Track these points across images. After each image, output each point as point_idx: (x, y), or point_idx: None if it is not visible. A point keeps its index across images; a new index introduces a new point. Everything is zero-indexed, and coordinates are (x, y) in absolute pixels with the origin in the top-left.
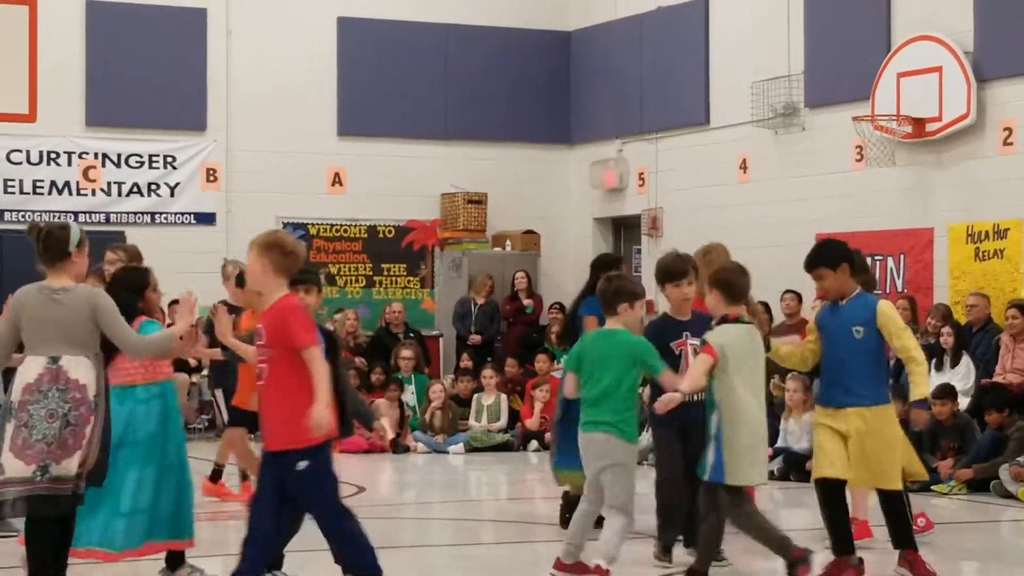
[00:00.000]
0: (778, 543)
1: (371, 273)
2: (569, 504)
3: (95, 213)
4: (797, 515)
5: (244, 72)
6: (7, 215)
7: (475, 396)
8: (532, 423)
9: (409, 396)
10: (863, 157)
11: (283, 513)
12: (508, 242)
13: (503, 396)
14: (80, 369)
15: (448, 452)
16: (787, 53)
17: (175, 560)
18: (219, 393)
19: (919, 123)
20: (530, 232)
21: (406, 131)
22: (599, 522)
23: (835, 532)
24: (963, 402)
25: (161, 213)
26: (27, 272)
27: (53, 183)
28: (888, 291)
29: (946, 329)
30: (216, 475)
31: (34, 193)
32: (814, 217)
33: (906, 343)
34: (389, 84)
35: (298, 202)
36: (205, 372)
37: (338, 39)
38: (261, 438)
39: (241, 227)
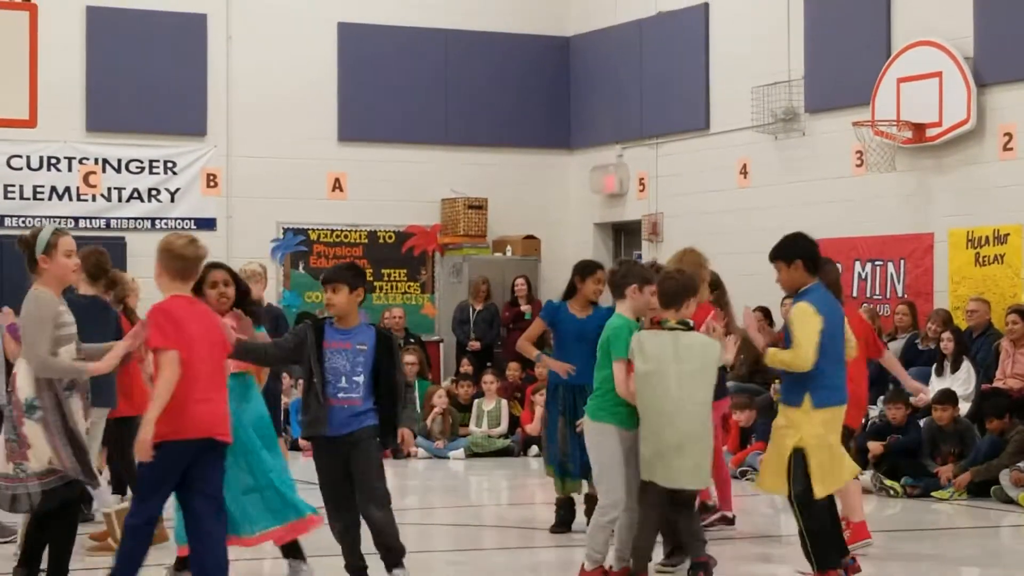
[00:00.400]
0: (640, 552)
1: (371, 278)
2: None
3: (95, 219)
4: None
5: (244, 77)
6: (7, 221)
7: (475, 401)
8: (532, 428)
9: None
10: (863, 162)
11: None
12: (508, 247)
13: (503, 401)
14: (21, 372)
15: (448, 457)
16: (787, 58)
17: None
18: None
19: (919, 128)
20: (531, 237)
21: (406, 136)
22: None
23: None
24: (963, 407)
25: (161, 218)
26: (27, 278)
27: (53, 188)
28: (888, 296)
29: (946, 334)
30: None
31: (34, 199)
32: (814, 222)
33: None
34: (389, 89)
35: (298, 207)
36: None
37: (338, 45)
38: None
39: (242, 233)
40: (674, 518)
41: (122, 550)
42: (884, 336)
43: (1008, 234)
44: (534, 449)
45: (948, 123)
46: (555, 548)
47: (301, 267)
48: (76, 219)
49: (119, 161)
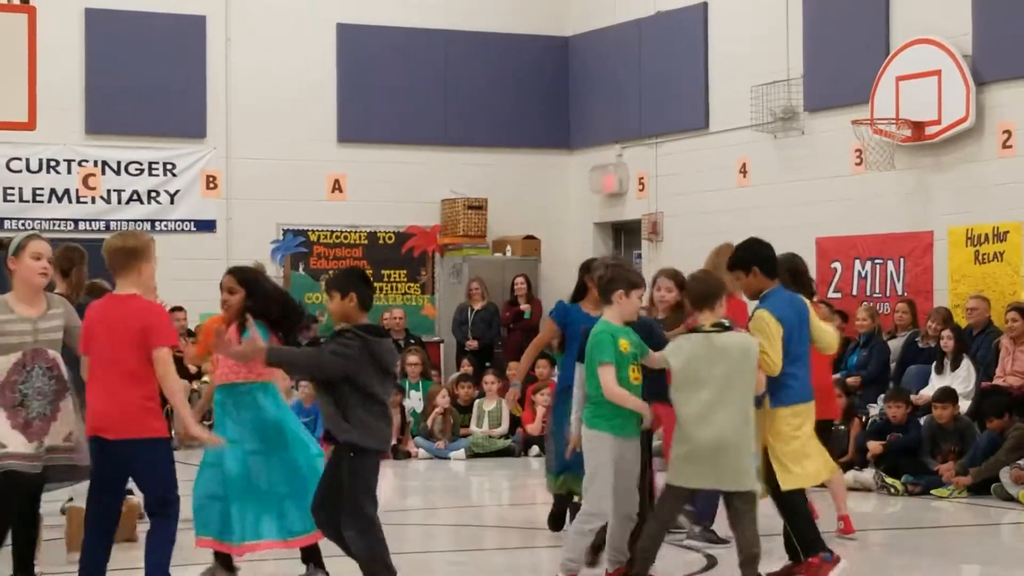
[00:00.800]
0: (645, 554)
1: (371, 279)
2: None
3: (95, 221)
4: None
5: (244, 79)
6: (7, 223)
7: (476, 402)
8: (533, 428)
9: (416, 402)
10: (862, 161)
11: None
12: (508, 247)
13: (504, 402)
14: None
15: (449, 458)
16: (786, 57)
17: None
18: None
19: (918, 126)
20: (530, 237)
21: (406, 137)
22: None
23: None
24: (963, 405)
25: (161, 221)
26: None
27: (53, 191)
28: (888, 294)
29: (946, 332)
30: None
31: (34, 201)
32: (814, 221)
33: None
34: (388, 90)
35: (298, 209)
36: (206, 378)
37: (337, 46)
38: None
39: (241, 234)
40: (733, 522)
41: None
42: (884, 334)
43: (1007, 232)
44: (535, 449)
45: (947, 121)
46: (556, 548)
47: (301, 268)
48: (76, 221)
49: (118, 163)
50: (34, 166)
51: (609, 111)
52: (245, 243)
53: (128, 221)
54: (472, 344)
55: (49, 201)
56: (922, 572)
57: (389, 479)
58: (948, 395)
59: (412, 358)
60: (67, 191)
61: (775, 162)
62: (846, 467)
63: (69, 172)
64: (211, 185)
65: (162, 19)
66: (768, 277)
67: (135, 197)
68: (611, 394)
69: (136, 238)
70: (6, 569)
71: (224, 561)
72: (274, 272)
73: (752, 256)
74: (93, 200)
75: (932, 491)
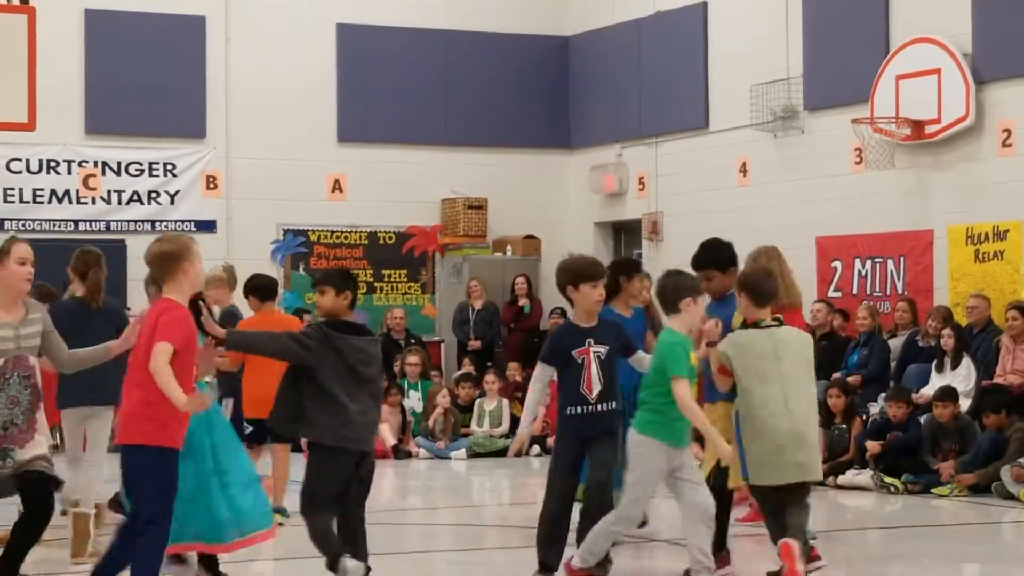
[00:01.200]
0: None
1: (372, 279)
2: None
3: (95, 221)
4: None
5: (243, 79)
6: (7, 224)
7: (477, 401)
8: (534, 428)
9: (416, 402)
10: (862, 160)
11: None
12: (509, 247)
13: (505, 401)
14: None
15: (450, 457)
16: (786, 56)
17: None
18: (229, 403)
19: (918, 125)
20: (531, 237)
21: (406, 137)
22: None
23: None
24: (964, 404)
25: (161, 221)
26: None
27: (53, 192)
28: (888, 293)
29: (946, 331)
30: None
31: (34, 202)
32: (814, 220)
33: None
34: (388, 90)
35: (298, 209)
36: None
37: (337, 46)
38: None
39: (241, 234)
40: (783, 513)
41: None
42: (885, 333)
43: (1007, 230)
44: (536, 449)
45: (947, 120)
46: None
47: (301, 268)
48: (76, 222)
49: (118, 164)
50: (34, 167)
51: (609, 111)
52: (245, 243)
53: (128, 222)
54: (475, 344)
55: (49, 202)
56: (922, 571)
57: (390, 479)
58: (948, 394)
59: (411, 358)
60: (67, 192)
61: (775, 161)
62: (846, 466)
63: (69, 173)
64: (211, 185)
65: (162, 19)
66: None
67: (135, 198)
68: (688, 410)
69: (172, 242)
70: None
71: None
72: (275, 272)
73: (730, 255)
74: (93, 201)
75: (932, 490)
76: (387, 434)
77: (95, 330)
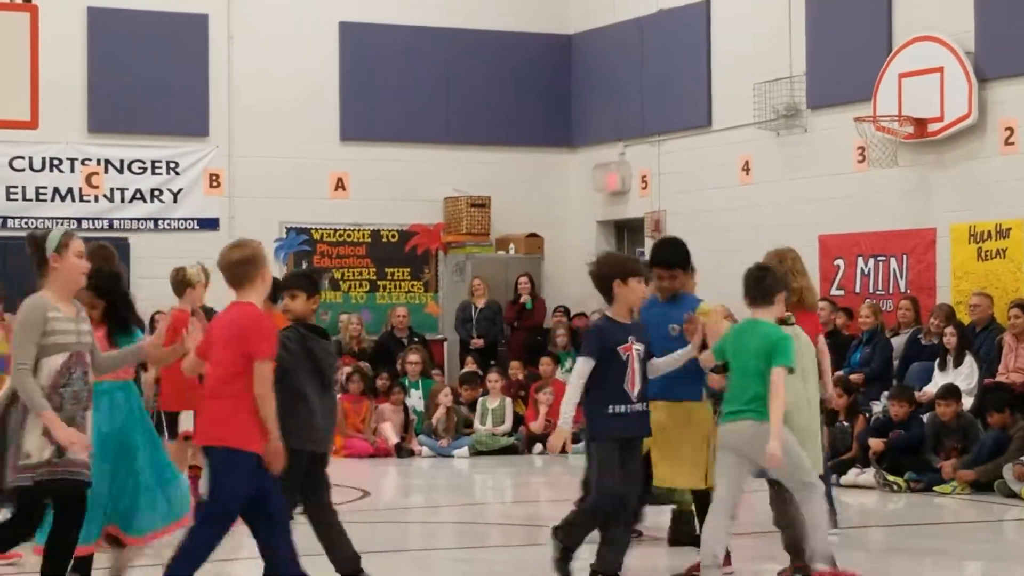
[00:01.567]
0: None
1: (375, 278)
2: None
3: (98, 220)
4: None
5: (246, 77)
6: (10, 222)
7: (480, 400)
8: (536, 426)
9: (417, 401)
10: (865, 158)
11: None
12: (512, 246)
13: (508, 400)
14: (11, 380)
15: (453, 456)
16: (788, 55)
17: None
18: None
19: (921, 124)
20: (533, 235)
21: (409, 135)
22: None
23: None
24: (967, 402)
25: (164, 219)
26: (31, 279)
27: (56, 190)
28: (891, 292)
29: (949, 329)
30: None
31: (37, 200)
32: (816, 219)
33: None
34: (391, 89)
35: (301, 207)
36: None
37: (340, 44)
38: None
39: (244, 233)
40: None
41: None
42: (887, 331)
43: (1010, 229)
44: (538, 447)
45: (949, 118)
46: None
47: (304, 267)
48: (79, 220)
49: (121, 162)
50: (37, 165)
51: (611, 109)
52: None
53: (131, 220)
54: (477, 343)
55: (52, 200)
56: (925, 569)
57: (393, 477)
58: (951, 392)
59: (412, 356)
60: (70, 190)
61: (778, 160)
62: (849, 464)
63: (72, 171)
64: (214, 184)
65: (164, 18)
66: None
67: (138, 196)
68: (780, 400)
69: (248, 247)
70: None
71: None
72: (277, 271)
73: (688, 254)
74: (96, 199)
75: (934, 488)
76: (390, 432)
77: None
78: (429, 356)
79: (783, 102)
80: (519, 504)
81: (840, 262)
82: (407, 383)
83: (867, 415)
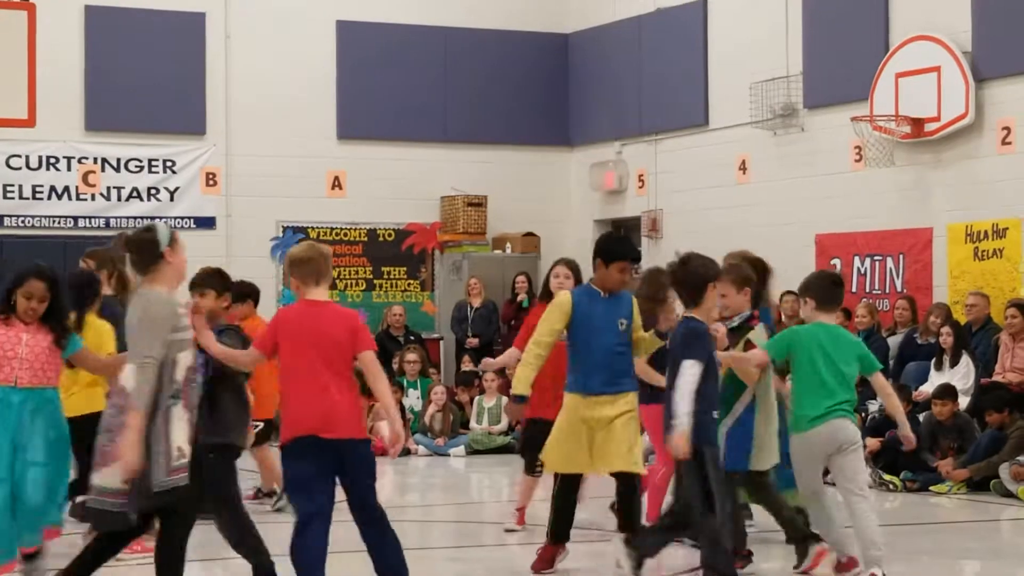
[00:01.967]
0: (793, 525)
1: (371, 276)
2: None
3: (95, 218)
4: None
5: (243, 76)
6: (7, 220)
7: (476, 399)
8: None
9: (416, 401)
10: (862, 157)
11: None
12: (508, 245)
13: (504, 399)
14: (127, 376)
15: (449, 455)
16: (786, 54)
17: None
18: None
19: (918, 123)
20: (530, 234)
21: (405, 134)
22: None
23: (560, 520)
24: (963, 401)
25: (161, 217)
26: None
27: (52, 188)
28: (888, 291)
29: (945, 329)
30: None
31: (33, 198)
32: (813, 218)
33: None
34: (388, 87)
35: (298, 206)
36: None
37: (337, 43)
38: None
39: (241, 231)
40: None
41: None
42: (884, 331)
43: (1007, 228)
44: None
45: (947, 118)
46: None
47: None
48: (75, 218)
49: (118, 160)
50: (34, 163)
51: (609, 108)
52: (245, 240)
53: (127, 218)
54: (473, 342)
55: (49, 198)
56: (921, 568)
57: (389, 476)
58: (947, 392)
59: (411, 356)
60: (67, 188)
61: (775, 159)
62: None
63: (69, 169)
64: (211, 182)
65: (162, 16)
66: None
67: (135, 194)
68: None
69: (318, 247)
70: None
71: None
72: (274, 269)
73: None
74: (93, 197)
75: (931, 488)
76: (385, 431)
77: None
78: (426, 355)
79: (780, 101)
80: (515, 503)
81: (837, 261)
82: (406, 383)
83: (863, 414)
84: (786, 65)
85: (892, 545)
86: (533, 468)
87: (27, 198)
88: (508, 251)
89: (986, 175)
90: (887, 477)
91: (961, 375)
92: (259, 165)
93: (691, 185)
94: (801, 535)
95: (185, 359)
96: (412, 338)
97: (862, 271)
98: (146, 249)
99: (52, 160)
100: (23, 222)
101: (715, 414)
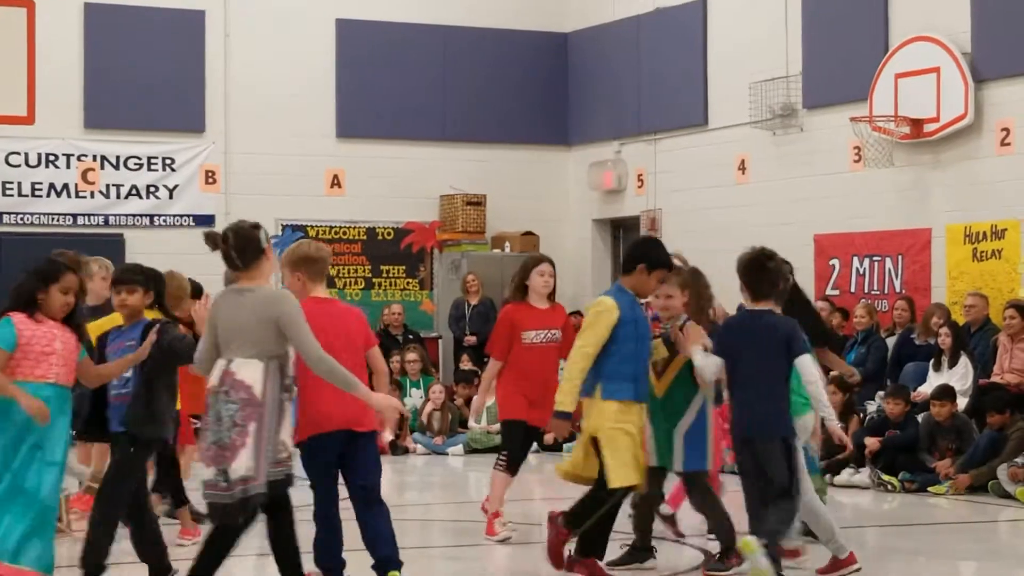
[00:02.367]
0: (727, 528)
1: (370, 275)
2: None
3: (94, 216)
4: None
5: (242, 74)
6: (5, 218)
7: (474, 397)
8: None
9: (419, 400)
10: (861, 158)
11: None
12: (507, 244)
13: None
14: (248, 371)
15: (447, 453)
16: (785, 54)
17: None
18: None
19: (917, 124)
20: (529, 234)
21: (405, 133)
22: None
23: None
24: (961, 402)
25: (160, 215)
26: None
27: (52, 186)
28: (886, 292)
29: (944, 329)
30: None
31: (33, 195)
32: (812, 218)
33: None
34: (387, 86)
35: (297, 204)
36: None
37: (336, 41)
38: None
39: None
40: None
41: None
42: (883, 331)
43: (1006, 229)
44: (533, 445)
45: (946, 118)
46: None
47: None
48: (74, 216)
49: (117, 158)
50: (33, 161)
51: (608, 107)
52: None
53: (127, 216)
54: (470, 340)
55: (48, 196)
56: (919, 569)
57: (387, 474)
58: (946, 392)
59: (411, 356)
60: (66, 186)
61: (773, 159)
62: (843, 464)
63: (68, 167)
64: (210, 180)
65: (161, 14)
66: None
67: (134, 192)
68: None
69: (321, 247)
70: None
71: None
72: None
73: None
74: (92, 195)
75: (929, 488)
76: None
77: None
78: (426, 354)
79: (779, 101)
80: (513, 502)
81: (835, 262)
82: (408, 383)
83: (862, 415)
84: (785, 65)
85: (890, 546)
86: (515, 469)
87: (26, 195)
88: (507, 250)
89: (985, 176)
90: (886, 478)
91: (960, 376)
92: (258, 163)
93: (690, 185)
94: (732, 541)
95: (293, 354)
96: (411, 337)
97: (861, 271)
98: (251, 244)
99: (51, 157)
100: (22, 219)
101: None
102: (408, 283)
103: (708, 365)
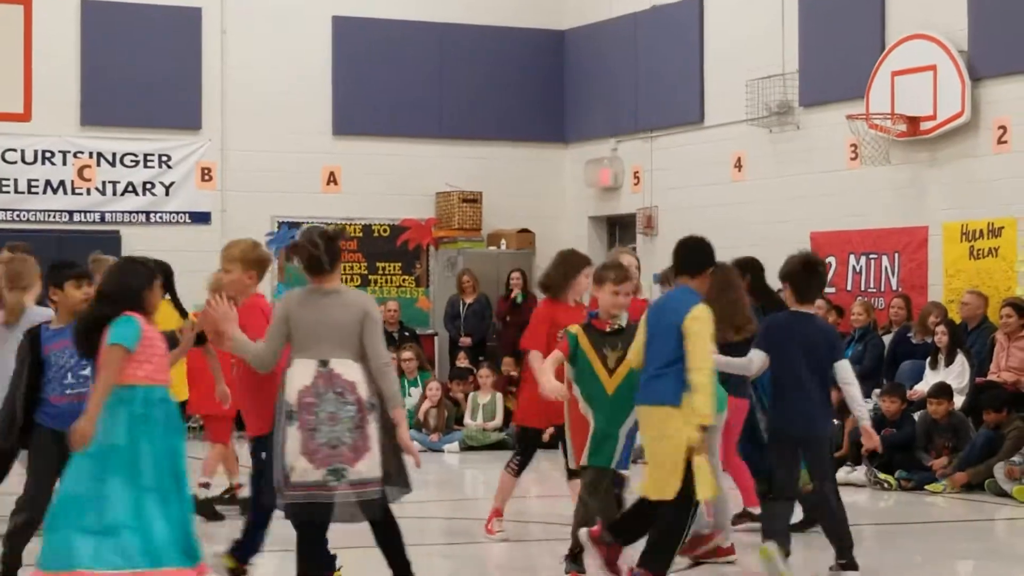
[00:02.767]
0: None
1: (366, 272)
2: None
3: (90, 212)
4: None
5: (239, 71)
6: (1, 214)
7: (471, 395)
8: None
9: (417, 398)
10: (857, 156)
11: None
12: (503, 241)
13: (499, 395)
14: (351, 371)
15: (443, 451)
16: (781, 52)
17: None
18: None
19: (913, 122)
20: (525, 231)
21: (401, 130)
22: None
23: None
24: (958, 401)
25: (156, 212)
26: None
27: (48, 182)
28: (883, 290)
29: (940, 328)
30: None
31: (29, 192)
32: (808, 216)
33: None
34: (384, 83)
35: (293, 201)
36: None
37: (333, 38)
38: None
39: (236, 226)
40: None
41: None
42: (879, 329)
43: (1002, 227)
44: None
45: (942, 116)
46: (549, 541)
47: (295, 261)
48: (71, 213)
49: (114, 155)
50: (29, 157)
51: (604, 105)
52: (240, 235)
53: (123, 213)
54: (465, 341)
55: (44, 192)
56: (915, 568)
57: None
58: (943, 391)
59: (407, 354)
60: (62, 182)
61: (770, 157)
62: (840, 462)
63: (64, 163)
64: (206, 177)
65: (158, 11)
66: None
67: (130, 189)
68: None
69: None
70: None
71: None
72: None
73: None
74: (88, 192)
75: (926, 487)
76: None
77: None
78: (421, 351)
79: (776, 99)
80: (509, 500)
81: (832, 259)
82: (407, 382)
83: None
84: (782, 63)
85: (886, 543)
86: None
87: (22, 192)
88: (503, 247)
89: (982, 174)
90: (882, 476)
91: (956, 374)
92: (254, 160)
93: (686, 182)
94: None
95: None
96: (407, 334)
97: (857, 269)
98: (338, 249)
99: (47, 154)
100: (18, 216)
101: None
102: (404, 280)
103: (755, 359)
